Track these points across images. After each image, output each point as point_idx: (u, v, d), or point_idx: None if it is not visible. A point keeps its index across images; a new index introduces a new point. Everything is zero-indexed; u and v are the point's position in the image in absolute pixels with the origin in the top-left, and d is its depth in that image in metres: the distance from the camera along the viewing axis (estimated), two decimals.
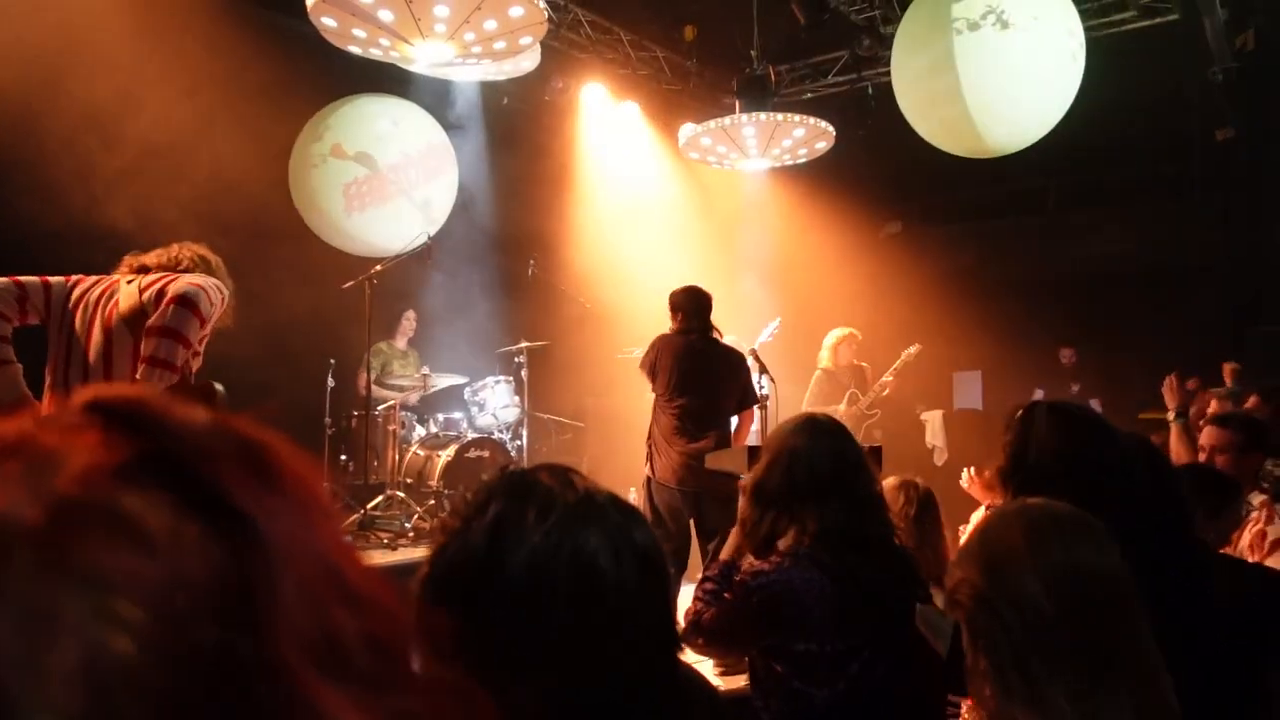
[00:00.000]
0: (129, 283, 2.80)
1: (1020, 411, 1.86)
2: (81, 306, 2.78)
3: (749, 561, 2.13)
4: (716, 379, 4.73)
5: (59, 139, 5.02)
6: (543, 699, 0.82)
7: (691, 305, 4.77)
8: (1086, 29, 5.79)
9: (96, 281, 2.85)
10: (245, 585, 0.36)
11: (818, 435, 2.15)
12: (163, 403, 0.38)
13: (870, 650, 1.96)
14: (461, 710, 0.47)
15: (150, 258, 2.88)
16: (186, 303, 2.62)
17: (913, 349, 6.71)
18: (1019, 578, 1.10)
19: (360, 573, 0.43)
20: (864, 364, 6.89)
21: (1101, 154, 8.38)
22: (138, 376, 2.64)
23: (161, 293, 2.70)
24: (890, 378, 6.64)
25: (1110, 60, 6.21)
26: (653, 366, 4.75)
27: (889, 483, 2.84)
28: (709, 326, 4.79)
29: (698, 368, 4.66)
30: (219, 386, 2.86)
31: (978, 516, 3.06)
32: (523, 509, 0.86)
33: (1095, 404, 8.34)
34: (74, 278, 2.85)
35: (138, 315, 2.71)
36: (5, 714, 0.30)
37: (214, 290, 2.74)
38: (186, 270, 2.84)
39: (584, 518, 0.88)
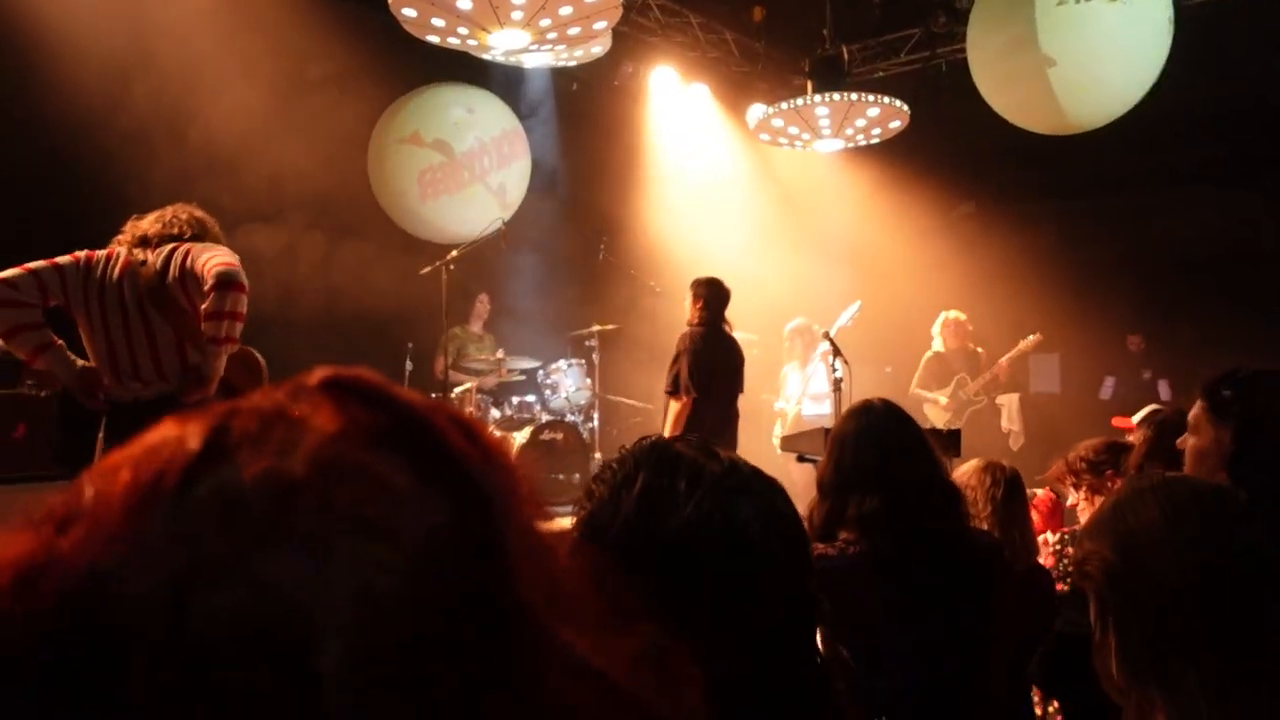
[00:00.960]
0: (141, 263, 2.95)
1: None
2: (100, 286, 2.94)
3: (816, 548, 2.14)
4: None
5: (141, 129, 5.23)
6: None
7: (713, 295, 5.02)
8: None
9: (105, 257, 3.00)
10: (482, 537, 0.40)
11: (867, 419, 2.11)
12: (388, 383, 0.43)
13: (926, 645, 1.92)
14: (676, 659, 0.51)
15: (148, 224, 3.04)
16: (232, 284, 2.82)
17: (1031, 338, 6.61)
18: (1155, 554, 1.07)
19: (556, 534, 0.47)
20: (979, 349, 6.80)
21: (1188, 131, 8.06)
22: (210, 356, 2.86)
23: (185, 269, 2.89)
24: (1002, 364, 6.55)
25: (1200, 32, 5.97)
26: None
27: (972, 465, 2.79)
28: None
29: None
30: (258, 356, 3.16)
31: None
32: (672, 479, 0.87)
33: (1164, 386, 8.10)
34: (81, 255, 3.00)
35: (158, 291, 2.90)
36: (300, 625, 0.35)
37: (237, 259, 2.93)
38: (182, 235, 3.02)
39: (733, 488, 0.89)
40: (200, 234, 3.08)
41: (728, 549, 0.86)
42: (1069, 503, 3.03)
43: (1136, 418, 3.50)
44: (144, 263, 2.94)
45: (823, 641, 2.04)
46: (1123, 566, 1.09)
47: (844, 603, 1.92)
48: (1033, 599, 2.62)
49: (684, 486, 0.87)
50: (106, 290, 2.92)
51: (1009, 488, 2.76)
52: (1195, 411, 1.87)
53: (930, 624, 1.94)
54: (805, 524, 2.08)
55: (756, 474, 0.92)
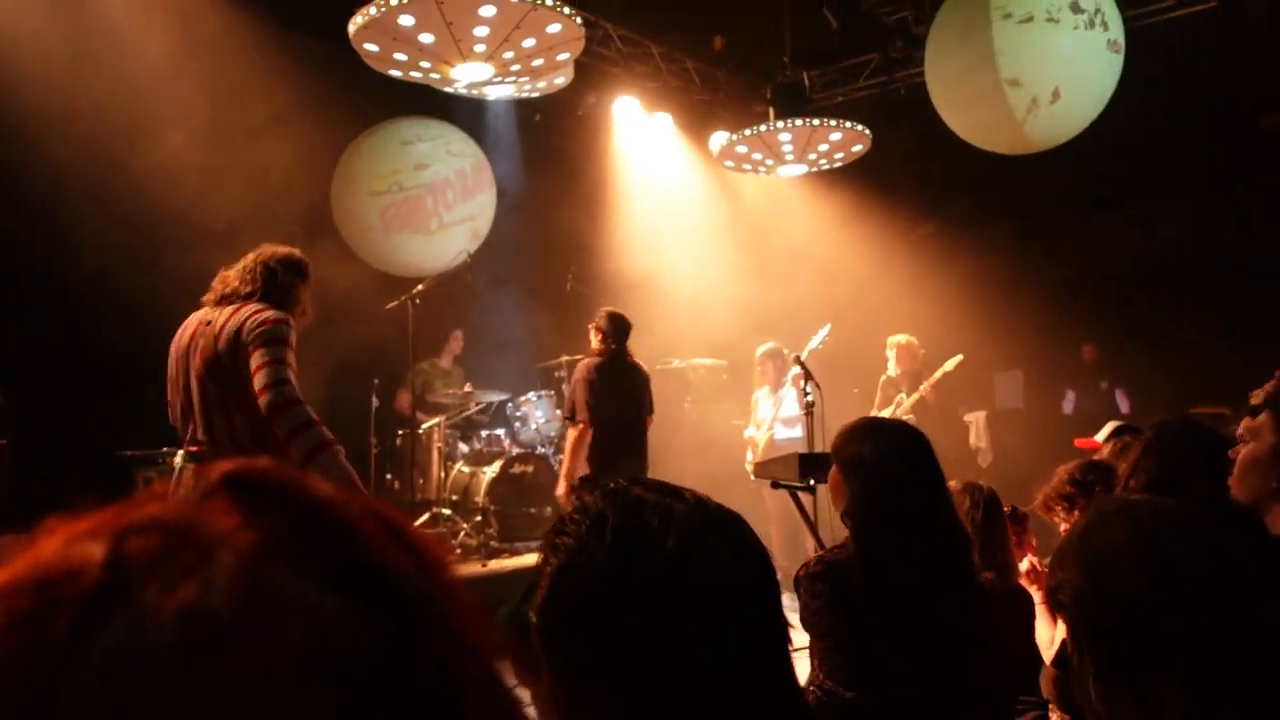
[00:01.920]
0: (206, 324, 2.97)
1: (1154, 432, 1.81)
2: (184, 356, 2.99)
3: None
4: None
5: (99, 160, 5.14)
6: (668, 705, 0.82)
7: (612, 328, 5.22)
8: (1126, 19, 5.73)
9: (185, 325, 3.04)
10: (425, 668, 0.35)
11: (888, 439, 2.10)
12: (299, 477, 0.38)
13: (911, 652, 1.91)
14: None
15: (233, 277, 3.04)
16: (275, 343, 2.84)
17: (952, 361, 6.65)
18: (1122, 574, 1.05)
19: (485, 626, 0.42)
20: (923, 370, 6.87)
21: (1142, 148, 8.26)
22: (282, 435, 2.82)
23: (237, 339, 2.87)
24: (925, 388, 6.60)
25: (1150, 51, 6.12)
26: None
27: (951, 486, 2.78)
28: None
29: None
30: None
31: None
32: (642, 521, 0.86)
33: (1121, 396, 8.24)
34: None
35: (213, 362, 2.89)
36: None
37: (283, 320, 2.91)
38: (252, 293, 2.98)
39: (704, 522, 0.89)
40: (268, 288, 3.03)
41: (709, 580, 0.86)
42: (1063, 530, 3.00)
43: (1101, 435, 3.52)
44: (209, 323, 2.97)
45: (815, 671, 2.00)
46: (1091, 590, 1.07)
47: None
48: (1015, 621, 2.61)
49: (656, 525, 0.86)
50: (186, 356, 2.98)
51: (988, 509, 2.75)
52: (1259, 421, 1.88)
53: (911, 633, 1.92)
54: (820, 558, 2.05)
55: (718, 505, 0.93)
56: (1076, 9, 5.14)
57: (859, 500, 1.99)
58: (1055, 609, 1.16)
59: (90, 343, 4.87)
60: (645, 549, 0.84)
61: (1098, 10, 5.28)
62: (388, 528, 0.37)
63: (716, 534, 0.88)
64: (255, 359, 2.81)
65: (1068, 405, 8.82)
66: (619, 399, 5.09)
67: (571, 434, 5.04)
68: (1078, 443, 3.66)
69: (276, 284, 3.05)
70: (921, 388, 6.61)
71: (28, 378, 4.38)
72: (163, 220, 5.18)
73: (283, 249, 3.16)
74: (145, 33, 5.22)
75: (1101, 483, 2.86)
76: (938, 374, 6.66)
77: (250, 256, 3.10)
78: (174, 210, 5.23)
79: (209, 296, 3.06)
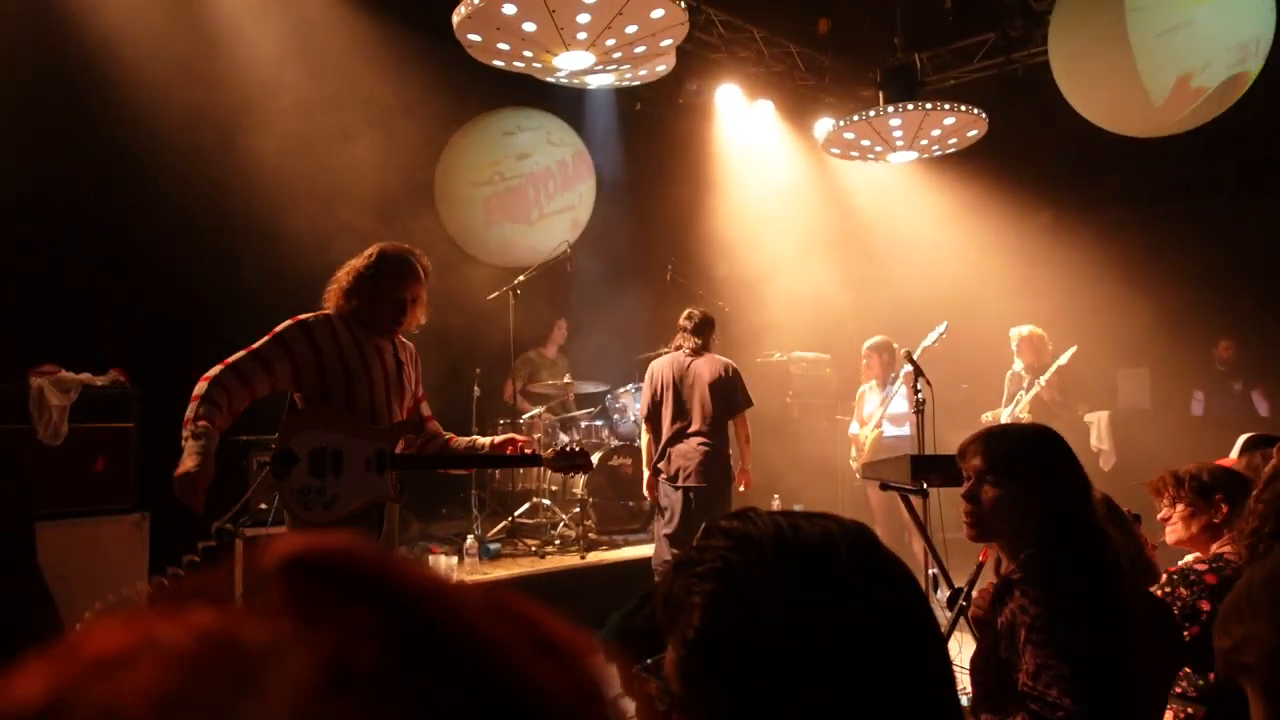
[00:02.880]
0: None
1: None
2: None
3: None
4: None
5: (233, 158, 5.32)
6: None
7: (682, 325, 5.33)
8: None
9: None
10: None
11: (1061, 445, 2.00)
12: (388, 559, 0.26)
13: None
14: None
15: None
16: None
17: (1066, 354, 6.26)
18: None
19: None
20: (1050, 365, 6.51)
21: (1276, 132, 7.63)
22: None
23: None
24: (1041, 384, 6.24)
25: None
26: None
27: None
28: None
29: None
30: None
31: None
32: (799, 535, 0.79)
33: (1258, 398, 7.63)
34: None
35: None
36: None
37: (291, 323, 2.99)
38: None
39: (860, 534, 0.82)
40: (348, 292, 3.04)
41: (884, 596, 0.78)
42: (1159, 515, 2.79)
43: (1235, 450, 3.23)
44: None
45: (1029, 683, 1.84)
46: None
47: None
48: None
49: (818, 536, 0.78)
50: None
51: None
52: None
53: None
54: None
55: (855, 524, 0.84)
56: None
57: (1055, 511, 1.86)
58: (1235, 673, 0.95)
59: (209, 331, 5.04)
60: (813, 558, 0.77)
61: None
62: (519, 624, 0.26)
63: (874, 544, 0.81)
64: None
65: (1197, 406, 8.25)
66: (666, 398, 5.31)
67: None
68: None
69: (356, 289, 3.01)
70: (1038, 384, 6.26)
71: (152, 364, 4.56)
72: (274, 214, 5.33)
73: (390, 247, 3.10)
74: (252, 28, 5.38)
75: (1224, 492, 2.63)
76: (1052, 368, 6.30)
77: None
78: (284, 205, 5.38)
79: None
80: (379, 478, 2.92)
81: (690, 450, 5.18)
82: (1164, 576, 2.58)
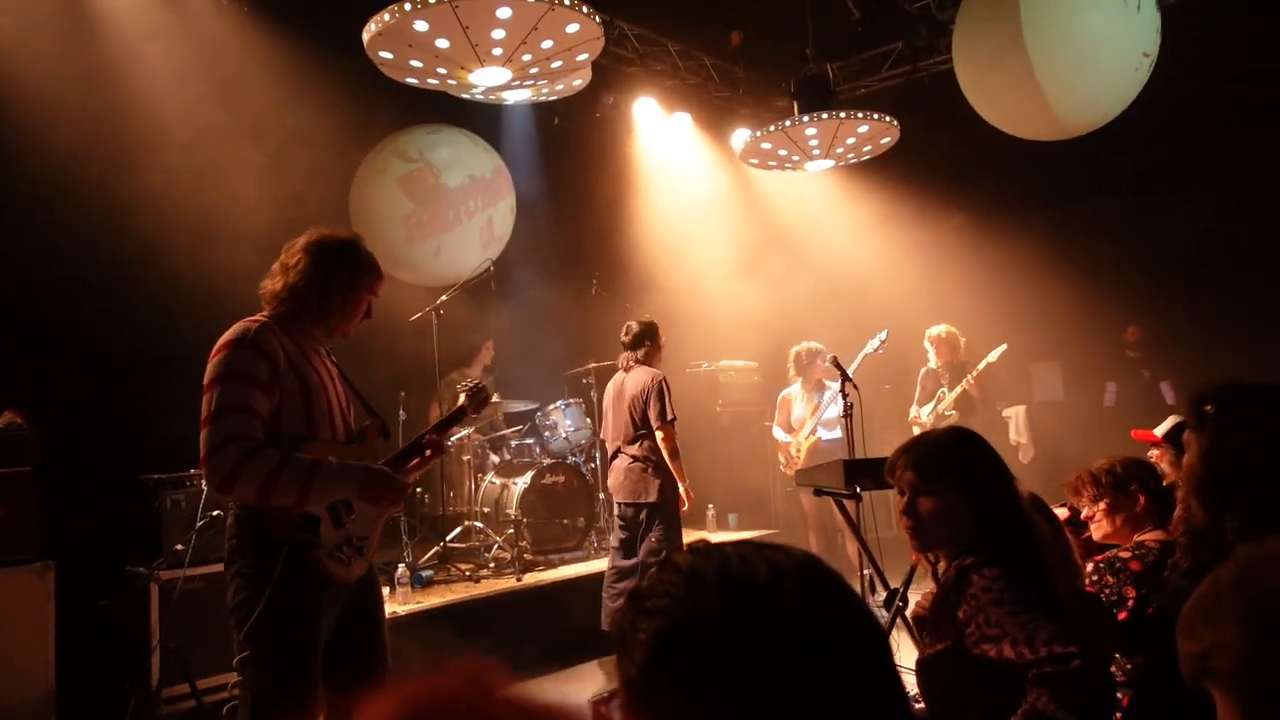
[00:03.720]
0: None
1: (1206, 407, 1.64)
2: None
3: None
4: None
5: (135, 188, 5.09)
6: None
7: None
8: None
9: None
10: None
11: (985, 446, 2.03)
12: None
13: None
14: None
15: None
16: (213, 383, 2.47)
17: (995, 352, 6.45)
18: None
19: None
20: (968, 361, 6.68)
21: (1176, 132, 8.02)
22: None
23: None
24: (969, 381, 6.41)
25: (1183, 31, 5.91)
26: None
27: None
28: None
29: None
30: None
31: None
32: (747, 569, 0.78)
33: (1166, 388, 7.99)
34: None
35: None
36: None
37: (230, 343, 2.52)
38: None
39: (808, 565, 0.81)
40: (284, 294, 2.60)
41: (831, 624, 0.78)
42: (1083, 514, 2.87)
43: (1160, 430, 3.34)
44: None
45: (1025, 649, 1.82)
46: (1267, 654, 0.88)
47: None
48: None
49: (765, 571, 0.78)
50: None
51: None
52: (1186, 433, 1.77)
53: None
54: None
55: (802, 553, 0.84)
56: None
57: (988, 514, 1.88)
58: (1204, 679, 0.93)
59: (111, 367, 4.81)
60: (760, 595, 0.76)
61: None
62: None
63: (824, 577, 0.80)
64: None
65: (1109, 397, 8.59)
66: (607, 411, 5.39)
67: (668, 435, 5.03)
68: (1135, 434, 3.46)
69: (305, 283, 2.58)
70: (965, 381, 6.43)
71: (49, 404, 4.32)
72: (179, 243, 5.12)
73: (339, 233, 2.72)
74: (154, 46, 5.17)
75: (1139, 482, 2.72)
76: (981, 365, 6.48)
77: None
78: (190, 233, 5.17)
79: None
80: None
81: (617, 467, 5.20)
82: (1089, 566, 2.65)
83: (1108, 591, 2.55)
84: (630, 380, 5.19)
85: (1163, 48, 5.48)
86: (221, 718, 2.86)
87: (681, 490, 5.06)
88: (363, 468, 2.51)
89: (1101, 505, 2.79)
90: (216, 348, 2.44)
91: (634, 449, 5.12)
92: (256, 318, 2.54)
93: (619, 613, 0.82)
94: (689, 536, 5.34)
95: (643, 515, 5.07)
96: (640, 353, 5.21)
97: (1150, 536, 2.67)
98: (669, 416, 5.00)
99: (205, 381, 2.39)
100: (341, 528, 2.55)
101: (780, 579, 0.77)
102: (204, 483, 2.54)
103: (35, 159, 4.71)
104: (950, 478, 1.91)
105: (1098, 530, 2.82)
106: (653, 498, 5.04)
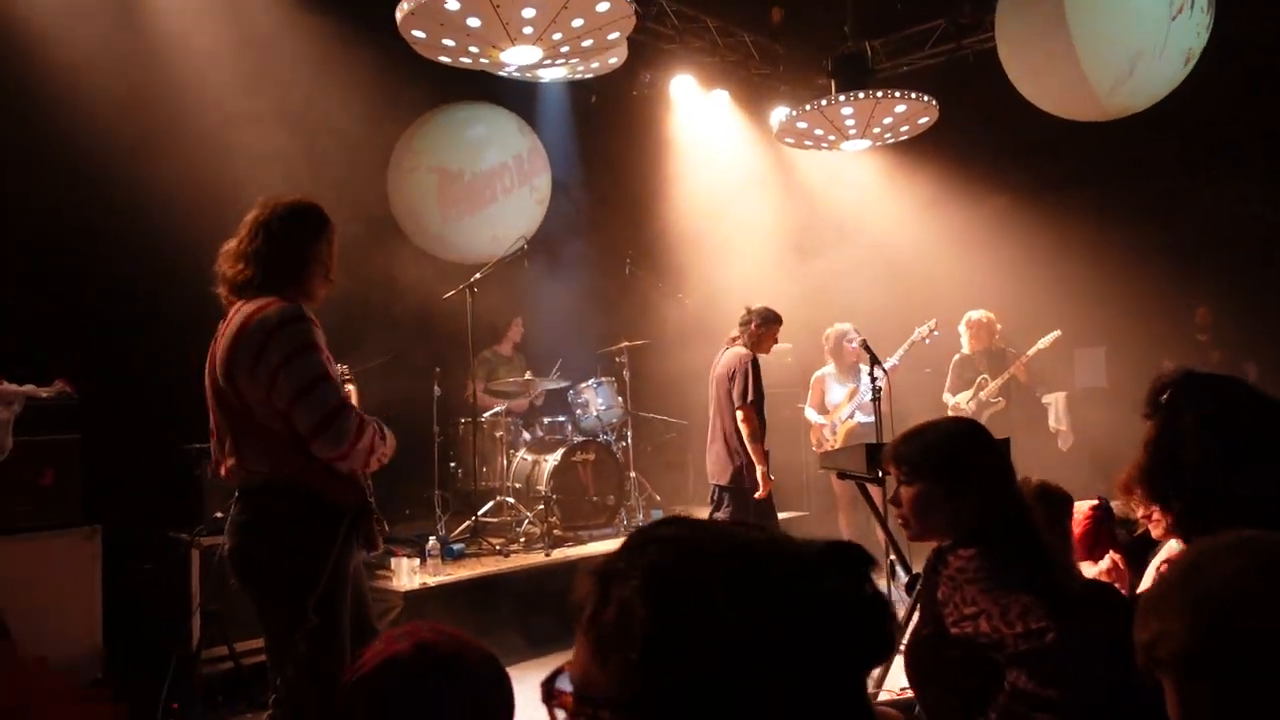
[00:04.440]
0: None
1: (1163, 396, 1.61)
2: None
3: None
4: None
5: (176, 162, 5.21)
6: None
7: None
8: None
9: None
10: None
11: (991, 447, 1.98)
12: None
13: None
14: None
15: (229, 255, 2.68)
16: (300, 354, 2.52)
17: (1048, 338, 6.35)
18: (1248, 630, 0.87)
19: None
20: (1009, 348, 6.59)
21: (1229, 110, 7.76)
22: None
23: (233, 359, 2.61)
24: (1019, 365, 6.33)
25: (1240, 8, 5.71)
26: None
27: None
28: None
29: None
30: None
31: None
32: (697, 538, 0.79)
33: (1251, 368, 7.73)
34: None
35: (217, 389, 2.65)
36: None
37: (294, 318, 2.53)
38: (251, 279, 2.63)
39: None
40: (265, 275, 2.54)
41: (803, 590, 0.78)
42: (1139, 514, 2.79)
43: None
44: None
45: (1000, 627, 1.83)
46: (1207, 646, 0.89)
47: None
48: None
49: (709, 540, 0.78)
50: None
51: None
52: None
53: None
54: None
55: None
56: None
57: (977, 508, 1.86)
58: (1153, 668, 0.95)
59: (154, 338, 4.94)
60: (751, 568, 0.76)
61: None
62: None
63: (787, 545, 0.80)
64: (282, 390, 2.38)
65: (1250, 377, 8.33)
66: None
67: (747, 415, 5.02)
68: None
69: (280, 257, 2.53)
70: (1013, 366, 6.35)
71: (97, 374, 4.47)
72: (220, 214, 5.23)
73: (286, 199, 2.65)
74: (195, 24, 5.27)
75: None
76: (1031, 351, 6.39)
77: (249, 217, 2.61)
78: (231, 205, 5.28)
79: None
80: None
81: (709, 447, 5.27)
82: (1163, 568, 2.61)
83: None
84: (722, 358, 5.28)
85: (1215, 29, 5.32)
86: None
87: (759, 474, 4.98)
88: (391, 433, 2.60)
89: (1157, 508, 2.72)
90: (274, 324, 2.42)
91: (719, 428, 5.17)
92: (296, 301, 2.54)
93: (585, 594, 0.80)
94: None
95: (717, 496, 5.12)
96: (742, 333, 5.26)
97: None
98: (749, 397, 4.97)
99: (283, 355, 2.39)
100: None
101: (768, 549, 0.77)
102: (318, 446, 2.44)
103: (81, 131, 4.84)
104: (936, 470, 1.89)
105: (1156, 529, 2.76)
106: (725, 480, 5.05)
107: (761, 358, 7.87)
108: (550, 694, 0.83)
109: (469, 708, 1.19)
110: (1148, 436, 1.66)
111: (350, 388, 2.80)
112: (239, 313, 2.51)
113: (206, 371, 2.59)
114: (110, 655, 4.15)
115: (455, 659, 1.21)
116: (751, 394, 4.96)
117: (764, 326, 5.26)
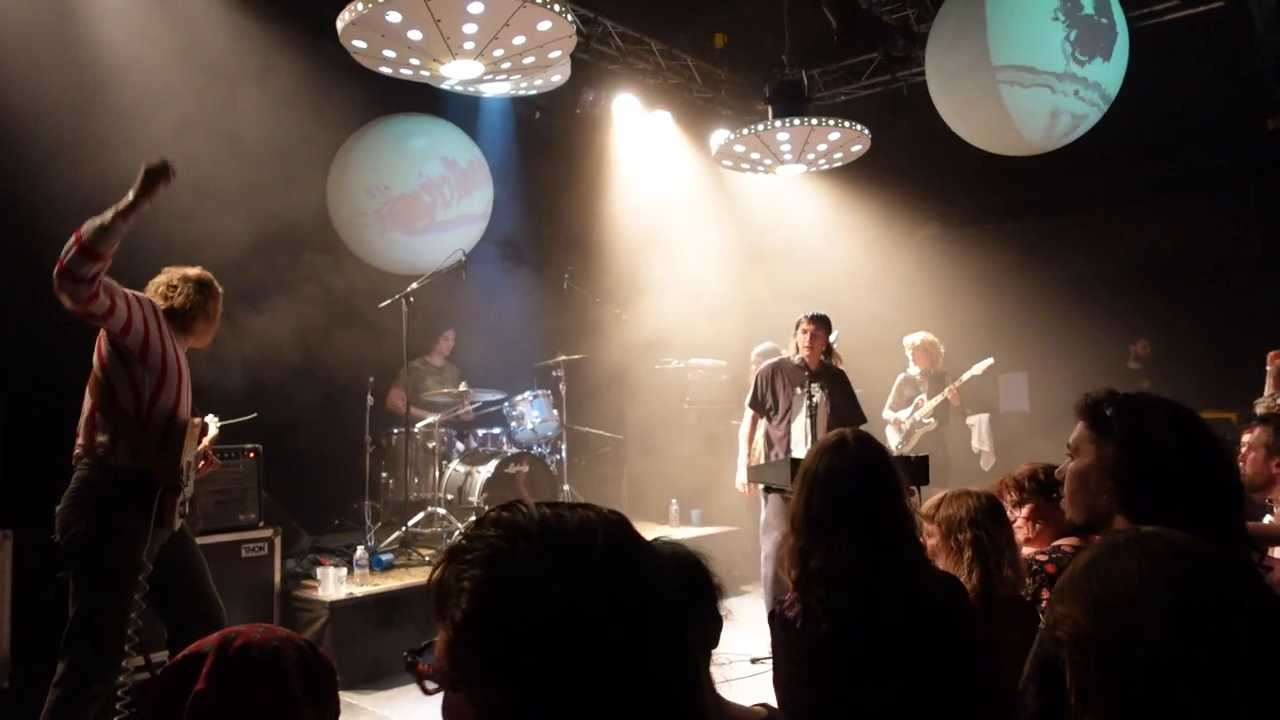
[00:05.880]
0: None
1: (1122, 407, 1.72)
2: None
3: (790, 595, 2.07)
4: None
5: (105, 170, 5.10)
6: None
7: None
8: (1129, 19, 5.64)
9: None
10: None
11: (839, 458, 2.07)
12: None
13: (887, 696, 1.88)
14: None
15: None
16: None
17: (981, 365, 6.64)
18: (1132, 618, 0.97)
19: None
20: (945, 372, 6.87)
21: (1146, 148, 8.17)
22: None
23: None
24: (951, 390, 6.60)
25: (1153, 51, 6.04)
26: None
27: (944, 495, 2.74)
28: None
29: None
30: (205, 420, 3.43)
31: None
32: (561, 521, 0.85)
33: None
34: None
35: None
36: None
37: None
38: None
39: (621, 524, 0.88)
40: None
41: (642, 586, 0.85)
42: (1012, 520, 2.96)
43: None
44: None
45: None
46: (1097, 630, 0.99)
47: (817, 670, 1.85)
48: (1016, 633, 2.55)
49: (576, 524, 0.85)
50: None
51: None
52: (1076, 434, 1.83)
53: (907, 675, 1.88)
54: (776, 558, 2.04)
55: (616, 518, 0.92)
56: (1077, 8, 5.06)
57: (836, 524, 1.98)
58: (1053, 647, 1.06)
59: (73, 342, 4.84)
60: (577, 547, 0.82)
61: (1100, 10, 5.19)
62: None
63: (631, 533, 0.87)
64: None
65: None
66: None
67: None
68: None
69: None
70: (946, 390, 6.60)
71: (11, 377, 4.36)
72: (151, 223, 5.14)
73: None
74: (134, 30, 5.19)
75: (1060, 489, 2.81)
76: (964, 377, 6.64)
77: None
78: (168, 210, 5.19)
79: None
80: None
81: None
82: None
83: (1027, 594, 2.65)
84: None
85: (1130, 69, 5.61)
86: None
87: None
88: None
89: (1024, 511, 2.88)
90: None
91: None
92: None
93: (435, 569, 0.87)
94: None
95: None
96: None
97: (1067, 541, 2.77)
98: (746, 400, 5.34)
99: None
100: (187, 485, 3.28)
101: (591, 532, 0.83)
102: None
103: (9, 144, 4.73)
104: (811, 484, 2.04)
105: (1020, 534, 2.91)
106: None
107: (696, 374, 8.03)
108: (410, 664, 0.89)
109: (282, 701, 1.19)
110: (1101, 452, 1.73)
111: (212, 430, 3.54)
112: None
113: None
114: (18, 664, 4.03)
115: (268, 653, 1.21)
116: (749, 397, 5.38)
117: (795, 334, 5.33)
